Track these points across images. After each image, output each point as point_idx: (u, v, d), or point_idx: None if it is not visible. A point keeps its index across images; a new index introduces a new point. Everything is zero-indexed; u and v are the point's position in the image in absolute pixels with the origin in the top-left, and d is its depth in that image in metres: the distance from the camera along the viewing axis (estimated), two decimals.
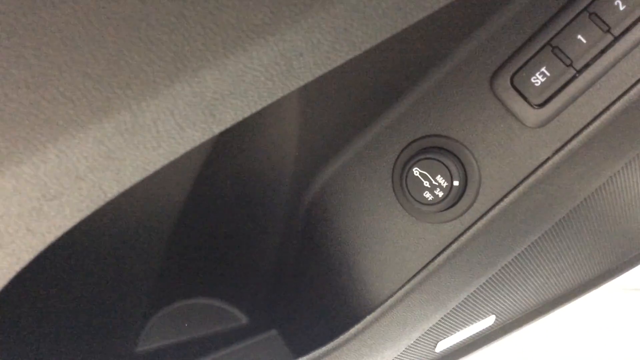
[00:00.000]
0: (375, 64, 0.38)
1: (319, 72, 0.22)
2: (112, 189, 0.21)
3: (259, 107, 0.22)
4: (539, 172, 0.38)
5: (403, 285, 0.42)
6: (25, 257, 0.23)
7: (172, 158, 0.22)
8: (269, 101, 0.22)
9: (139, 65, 0.19)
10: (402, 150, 0.41)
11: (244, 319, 0.53)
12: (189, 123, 0.21)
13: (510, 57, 0.37)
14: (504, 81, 0.37)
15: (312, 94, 0.38)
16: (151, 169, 0.22)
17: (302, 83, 0.22)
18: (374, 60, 0.37)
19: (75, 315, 0.44)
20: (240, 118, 0.22)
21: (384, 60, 0.38)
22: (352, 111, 0.41)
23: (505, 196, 0.39)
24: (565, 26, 0.36)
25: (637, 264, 0.64)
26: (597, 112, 0.36)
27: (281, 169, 0.43)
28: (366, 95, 0.40)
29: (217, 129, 0.22)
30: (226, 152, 0.41)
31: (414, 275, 0.42)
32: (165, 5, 0.18)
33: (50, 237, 0.22)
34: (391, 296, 0.42)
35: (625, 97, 0.35)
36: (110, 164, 0.20)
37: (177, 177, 0.41)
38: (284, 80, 0.21)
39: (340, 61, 0.22)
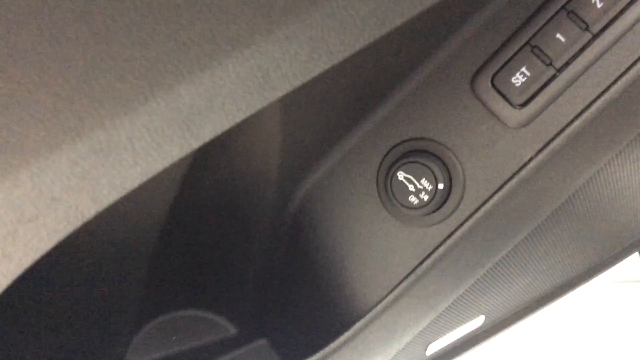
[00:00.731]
0: (355, 68, 0.37)
1: (297, 83, 0.21)
2: (89, 209, 0.21)
3: (238, 120, 0.21)
4: (523, 172, 0.38)
5: (391, 290, 0.41)
6: (3, 282, 0.22)
7: (150, 175, 0.21)
8: (248, 113, 0.22)
9: (111, 83, 0.18)
10: (386, 155, 0.41)
11: (232, 329, 0.52)
12: (166, 139, 0.20)
13: (490, 58, 0.37)
14: (484, 82, 0.37)
15: (292, 101, 0.38)
16: (129, 187, 0.21)
17: (280, 94, 0.22)
18: (354, 64, 0.37)
19: (60, 333, 0.43)
20: (219, 132, 0.21)
21: (364, 64, 0.37)
22: (334, 116, 0.41)
23: (490, 197, 0.39)
24: (544, 25, 0.36)
25: (623, 258, 0.64)
26: (579, 110, 0.36)
27: (265, 177, 0.43)
28: (347, 100, 0.40)
29: (195, 144, 0.21)
30: (208, 162, 0.40)
31: (402, 280, 0.41)
32: (136, 22, 0.18)
33: (28, 261, 0.22)
34: (380, 302, 0.42)
35: (606, 95, 0.36)
36: (86, 184, 0.20)
37: (158, 188, 0.40)
38: (262, 92, 0.21)
39: (318, 70, 0.22)
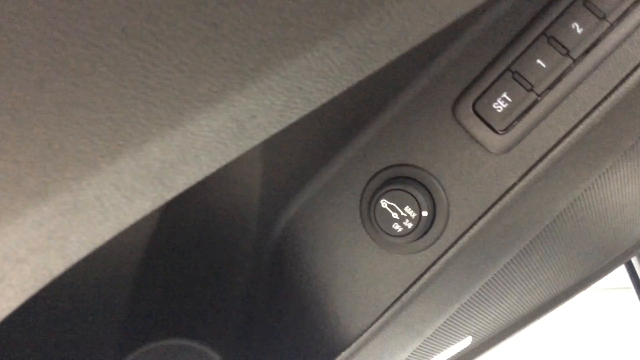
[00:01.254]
0: (335, 98, 0.37)
1: (274, 130, 0.21)
2: (57, 267, 0.20)
3: (212, 170, 0.21)
4: (507, 198, 0.37)
5: (377, 319, 0.41)
6: None
7: (122, 228, 0.20)
8: (224, 163, 0.21)
9: (76, 147, 0.17)
10: (369, 182, 0.40)
11: (216, 357, 0.51)
12: (136, 194, 0.19)
13: (471, 84, 0.37)
14: (466, 108, 0.37)
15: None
16: (99, 242, 0.20)
17: (257, 142, 0.21)
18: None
19: None
20: (194, 182, 0.21)
21: (345, 94, 0.37)
22: (315, 144, 0.40)
23: (475, 223, 0.38)
24: (524, 51, 0.35)
25: (609, 272, 0.64)
26: (561, 135, 0.36)
27: (246, 206, 0.42)
28: (328, 128, 0.39)
29: (169, 196, 0.20)
30: (187, 194, 0.39)
31: (388, 308, 0.41)
32: (99, 85, 0.17)
33: None
34: (366, 330, 0.41)
35: (588, 120, 0.35)
36: (53, 244, 0.19)
37: (139, 222, 0.39)
38: (237, 142, 0.20)
39: (295, 117, 0.21)
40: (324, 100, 0.21)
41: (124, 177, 0.19)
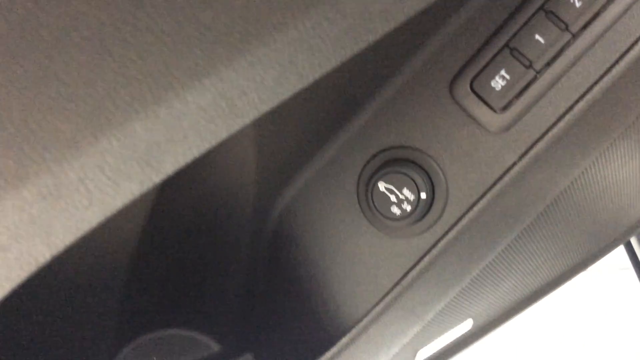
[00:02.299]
0: (330, 78, 0.36)
1: (266, 108, 0.20)
2: (43, 254, 0.19)
3: (203, 150, 0.20)
4: (506, 178, 0.37)
5: (377, 304, 0.40)
6: None
7: (109, 214, 0.20)
8: (214, 143, 0.20)
9: (55, 126, 0.17)
10: (366, 165, 0.39)
11: (215, 347, 0.51)
12: (122, 177, 0.18)
13: (468, 62, 0.36)
14: (463, 87, 0.36)
15: (266, 115, 0.36)
16: (86, 228, 0.19)
17: (248, 121, 0.20)
18: (329, 74, 0.36)
19: (37, 358, 0.41)
20: (183, 163, 0.20)
21: (340, 73, 0.36)
22: (310, 127, 0.39)
23: (474, 204, 0.37)
24: (522, 27, 0.34)
25: (609, 251, 0.64)
26: (561, 112, 0.35)
27: (241, 193, 0.41)
28: (323, 111, 0.38)
29: (157, 178, 0.19)
30: (180, 181, 0.38)
31: (388, 292, 0.40)
32: (77, 59, 0.16)
33: None
34: (366, 315, 0.41)
35: (588, 96, 0.35)
36: (36, 230, 0.18)
37: (131, 210, 0.38)
38: (228, 120, 0.19)
39: (288, 94, 0.20)
40: (317, 76, 0.20)
41: (108, 159, 0.18)
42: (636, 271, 0.97)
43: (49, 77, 0.16)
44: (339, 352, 0.42)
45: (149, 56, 0.17)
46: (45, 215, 0.18)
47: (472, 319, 0.54)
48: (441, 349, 0.54)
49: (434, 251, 0.39)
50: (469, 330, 0.55)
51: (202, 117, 0.19)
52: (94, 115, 0.17)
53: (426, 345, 0.52)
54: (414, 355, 0.52)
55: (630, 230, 0.62)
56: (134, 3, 0.16)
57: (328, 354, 0.41)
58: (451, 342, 0.55)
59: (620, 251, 0.98)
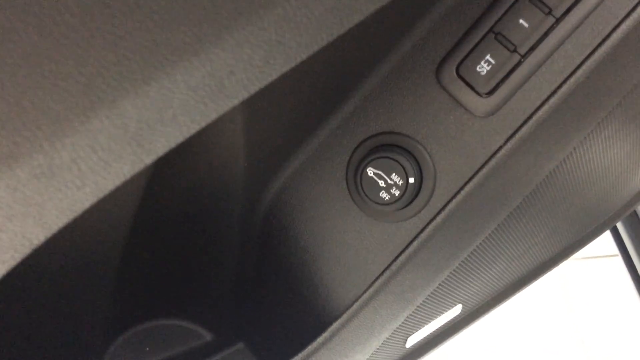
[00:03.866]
0: (317, 64, 0.36)
1: (254, 88, 0.20)
2: (37, 236, 0.19)
3: (193, 132, 0.20)
4: (493, 162, 0.37)
5: (367, 288, 0.41)
6: None
7: (102, 195, 0.20)
8: (204, 124, 0.20)
9: (47, 104, 0.17)
10: (354, 151, 0.40)
11: (208, 336, 0.51)
12: (114, 157, 0.19)
13: (454, 48, 0.36)
14: (449, 72, 0.36)
15: (253, 101, 0.37)
16: (79, 209, 0.20)
17: (237, 102, 0.20)
18: (316, 61, 0.36)
19: (28, 349, 0.41)
20: (173, 144, 0.20)
21: (327, 60, 0.36)
22: (299, 115, 0.39)
23: (462, 188, 0.38)
24: (507, 11, 0.35)
25: (597, 236, 0.65)
26: (546, 95, 0.36)
27: (231, 181, 0.42)
28: (311, 98, 0.38)
29: (148, 159, 0.20)
30: (170, 169, 0.38)
31: (378, 277, 0.40)
32: (68, 36, 0.16)
33: None
34: (356, 300, 0.41)
35: (572, 79, 0.35)
36: (30, 211, 0.18)
37: (121, 199, 0.38)
38: (217, 100, 0.20)
39: (276, 74, 0.20)
40: (303, 56, 0.21)
41: (100, 138, 0.18)
42: (623, 258, 0.98)
43: (40, 56, 0.16)
44: (331, 337, 0.42)
45: (137, 34, 0.17)
46: (39, 196, 0.18)
47: (462, 304, 0.54)
48: (431, 334, 0.55)
49: (423, 235, 0.39)
50: (458, 315, 0.56)
51: (191, 96, 0.19)
52: (86, 94, 0.17)
53: (417, 330, 0.53)
54: (405, 341, 0.53)
55: (616, 216, 0.63)
56: None
57: (320, 339, 0.42)
58: (441, 328, 0.56)
59: (607, 238, 0.99)
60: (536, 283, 0.64)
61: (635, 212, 0.91)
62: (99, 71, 0.17)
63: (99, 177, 0.19)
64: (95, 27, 0.17)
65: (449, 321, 0.55)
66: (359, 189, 0.39)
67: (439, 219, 0.39)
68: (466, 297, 0.53)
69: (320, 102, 0.39)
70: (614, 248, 0.98)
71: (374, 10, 0.22)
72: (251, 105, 0.37)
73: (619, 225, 0.95)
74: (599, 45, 0.34)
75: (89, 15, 0.16)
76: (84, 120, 0.17)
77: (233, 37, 0.18)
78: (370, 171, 0.38)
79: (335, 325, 0.41)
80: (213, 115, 0.20)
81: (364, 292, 0.41)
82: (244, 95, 0.20)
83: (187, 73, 0.18)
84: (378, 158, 0.38)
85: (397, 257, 0.40)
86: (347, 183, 0.40)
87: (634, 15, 0.34)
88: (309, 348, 0.42)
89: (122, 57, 0.17)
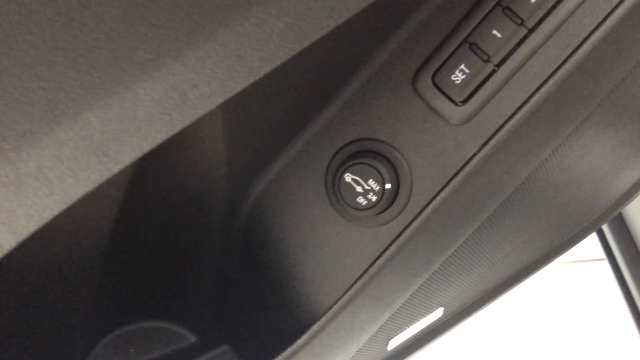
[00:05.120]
0: (296, 72, 0.37)
1: (219, 101, 0.21)
2: (8, 242, 0.20)
3: (159, 141, 0.21)
4: (468, 168, 0.38)
5: (346, 292, 0.41)
6: None
7: (70, 202, 0.21)
8: (170, 134, 0.21)
9: (10, 117, 0.17)
10: (333, 157, 0.40)
11: (192, 338, 0.52)
12: (81, 166, 0.19)
13: (430, 57, 0.37)
14: (425, 81, 0.37)
15: (233, 107, 0.37)
16: (48, 215, 0.20)
17: (202, 113, 0.21)
18: (295, 68, 0.37)
19: (10, 352, 0.42)
20: (140, 154, 0.21)
21: (306, 67, 0.37)
22: (278, 121, 0.40)
23: (438, 194, 0.39)
24: (480, 22, 0.36)
25: (579, 241, 0.65)
26: (519, 104, 0.37)
27: (212, 185, 0.42)
28: (291, 104, 0.39)
29: (115, 168, 0.20)
30: (150, 174, 0.39)
31: (356, 280, 0.41)
32: (28, 53, 0.17)
33: None
34: (335, 303, 0.42)
35: (544, 88, 0.36)
36: None
37: (100, 204, 0.39)
38: (182, 112, 0.20)
39: (240, 87, 0.21)
40: (267, 70, 0.21)
41: (65, 149, 0.19)
42: (610, 262, 0.99)
43: (2, 72, 0.17)
44: (310, 339, 0.43)
45: (98, 51, 0.18)
46: (8, 203, 0.19)
47: (443, 307, 0.55)
48: (413, 336, 0.56)
49: (400, 240, 0.40)
50: (440, 318, 0.56)
51: (155, 108, 0.20)
52: (49, 108, 0.18)
53: (398, 333, 0.53)
54: (386, 344, 0.53)
55: (599, 220, 0.64)
56: (80, 1, 0.17)
57: (299, 342, 0.43)
58: (423, 330, 0.56)
59: (594, 242, 1.00)
60: (524, 286, 0.65)
61: (621, 215, 0.92)
62: (61, 86, 0.18)
63: (66, 185, 0.20)
64: (56, 45, 0.17)
65: (431, 324, 0.56)
66: (337, 194, 0.40)
67: (415, 224, 0.39)
68: (447, 300, 0.54)
69: (299, 109, 0.40)
70: (600, 253, 0.98)
71: (335, 26, 0.22)
72: (231, 111, 0.38)
73: (606, 231, 0.96)
74: (570, 55, 0.35)
75: (49, 34, 0.17)
76: (48, 132, 0.18)
77: (193, 53, 0.19)
78: (348, 177, 0.39)
79: (314, 327, 0.42)
80: (179, 126, 0.21)
81: (343, 295, 0.42)
82: (209, 107, 0.21)
83: (150, 86, 0.19)
84: (356, 164, 0.39)
85: (374, 261, 0.41)
86: (326, 188, 0.41)
87: (604, 27, 0.35)
88: (289, 350, 0.43)
89: (83, 73, 0.18)
